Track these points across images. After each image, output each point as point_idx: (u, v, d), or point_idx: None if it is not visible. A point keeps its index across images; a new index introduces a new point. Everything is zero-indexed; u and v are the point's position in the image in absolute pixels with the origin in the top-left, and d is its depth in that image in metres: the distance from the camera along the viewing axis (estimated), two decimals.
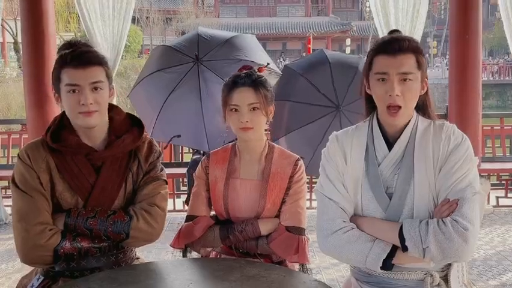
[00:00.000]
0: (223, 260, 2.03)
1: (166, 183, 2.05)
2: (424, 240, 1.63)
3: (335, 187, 1.81)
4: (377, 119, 1.82)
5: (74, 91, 1.84)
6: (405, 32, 4.83)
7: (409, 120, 1.78)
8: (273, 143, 2.17)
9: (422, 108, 1.82)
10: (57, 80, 1.88)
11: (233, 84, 2.03)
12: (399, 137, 1.78)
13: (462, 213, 1.65)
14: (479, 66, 4.95)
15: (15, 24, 23.97)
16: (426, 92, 1.80)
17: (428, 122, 1.81)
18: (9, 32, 25.76)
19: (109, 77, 1.93)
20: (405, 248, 1.65)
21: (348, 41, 36.96)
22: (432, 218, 1.70)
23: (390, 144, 1.79)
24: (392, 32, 1.85)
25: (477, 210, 1.68)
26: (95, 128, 1.92)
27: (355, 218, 1.81)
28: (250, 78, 2.02)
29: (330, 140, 1.90)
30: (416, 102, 1.76)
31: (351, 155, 1.83)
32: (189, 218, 2.12)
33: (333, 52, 4.82)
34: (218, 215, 2.14)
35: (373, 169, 1.79)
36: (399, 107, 1.71)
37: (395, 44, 1.72)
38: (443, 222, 1.64)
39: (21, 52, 23.63)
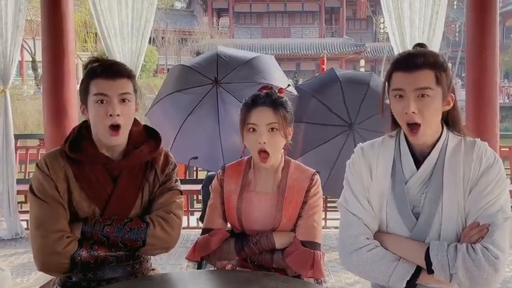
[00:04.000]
0: (241, 272, 2.02)
1: (181, 193, 2.07)
2: (452, 265, 1.57)
3: (359, 202, 1.77)
4: (405, 134, 1.76)
5: (102, 101, 1.87)
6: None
7: (439, 137, 1.72)
8: (289, 158, 2.16)
9: (452, 123, 1.75)
10: (85, 91, 1.91)
11: (252, 104, 2.01)
12: (428, 154, 1.72)
13: (493, 241, 1.59)
14: (496, 86, 4.91)
15: (34, 43, 24.39)
16: (454, 107, 1.73)
17: (458, 138, 1.74)
18: (27, 51, 26.20)
19: (136, 90, 1.96)
20: (431, 271, 1.61)
21: (362, 62, 37.05)
22: (460, 240, 1.65)
23: (417, 161, 1.73)
24: (415, 46, 1.79)
25: (507, 237, 1.62)
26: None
27: (380, 234, 1.76)
28: (270, 98, 2.01)
29: (355, 152, 1.86)
30: (438, 119, 1.70)
31: (377, 170, 1.78)
32: (205, 230, 2.12)
33: (344, 70, 4.83)
34: (233, 227, 2.14)
35: (400, 187, 1.74)
36: (419, 125, 1.65)
37: (410, 60, 1.66)
38: (473, 249, 1.58)
39: (38, 70, 23.92)
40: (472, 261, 1.57)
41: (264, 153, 1.98)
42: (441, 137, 1.72)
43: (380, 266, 1.67)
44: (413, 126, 1.66)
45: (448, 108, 1.72)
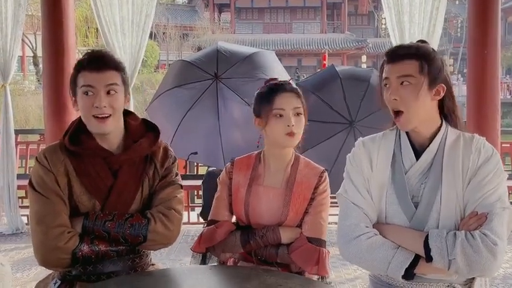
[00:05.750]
0: (241, 268, 2.02)
1: (182, 187, 2.07)
2: (451, 251, 1.59)
3: (359, 192, 1.79)
4: None
5: (88, 93, 1.88)
6: None
7: (438, 130, 1.76)
8: (299, 154, 2.17)
9: (449, 116, 1.79)
10: (73, 83, 1.92)
11: (274, 91, 2.03)
12: (427, 146, 1.76)
13: (491, 228, 1.61)
14: (497, 82, 4.89)
15: (35, 39, 24.39)
16: (449, 98, 1.78)
17: (457, 133, 1.78)
18: (28, 46, 26.18)
19: (124, 82, 1.96)
20: (429, 258, 1.62)
21: (363, 58, 36.97)
22: (459, 229, 1.67)
23: (417, 153, 1.77)
24: (417, 41, 1.84)
25: (506, 226, 1.65)
26: (109, 134, 1.95)
27: (379, 225, 1.78)
28: (289, 86, 2.06)
29: (356, 145, 1.90)
30: (426, 109, 1.73)
31: (377, 162, 1.82)
32: (211, 222, 2.12)
33: (344, 67, 4.80)
34: (239, 220, 2.15)
35: (400, 177, 1.77)
36: (402, 112, 1.71)
37: (394, 52, 1.76)
38: (472, 235, 1.61)
39: (40, 66, 23.96)
40: (470, 246, 1.59)
41: (292, 133, 2.00)
42: (441, 130, 1.77)
43: (379, 254, 1.69)
44: (397, 113, 1.73)
45: (437, 98, 1.75)
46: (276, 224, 2.05)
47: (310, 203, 2.06)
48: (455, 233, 1.63)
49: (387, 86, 1.75)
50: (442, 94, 1.75)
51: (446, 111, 1.79)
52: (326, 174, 2.11)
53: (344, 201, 1.82)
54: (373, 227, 1.77)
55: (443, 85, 1.75)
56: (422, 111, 1.73)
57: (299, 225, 2.07)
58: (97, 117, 1.88)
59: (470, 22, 5.04)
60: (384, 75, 1.77)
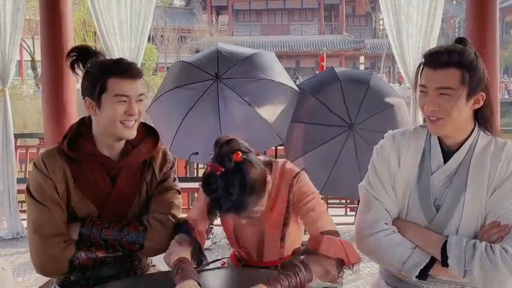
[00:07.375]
0: (244, 270, 2.01)
1: (179, 193, 2.05)
2: (468, 262, 1.57)
3: (383, 188, 1.77)
4: None
5: (124, 101, 1.84)
6: (419, 47, 4.81)
7: (469, 135, 1.70)
8: (278, 162, 1.95)
9: (482, 121, 1.71)
10: (101, 88, 1.83)
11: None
12: (456, 150, 1.71)
13: None
14: (496, 82, 4.88)
15: (33, 43, 24.38)
16: (487, 106, 1.69)
17: (489, 138, 1.71)
18: (26, 51, 26.18)
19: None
20: (445, 265, 1.61)
21: (361, 59, 37.05)
22: (477, 237, 1.64)
23: (445, 155, 1.73)
24: (456, 40, 1.74)
25: None
26: (121, 140, 1.93)
27: (399, 221, 1.76)
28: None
29: (385, 137, 1.85)
30: (463, 118, 1.67)
31: (405, 158, 1.78)
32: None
33: (344, 69, 4.76)
34: (230, 242, 2.09)
35: (425, 178, 1.74)
36: (440, 118, 1.64)
37: (435, 57, 1.64)
38: (492, 249, 1.58)
39: (38, 70, 23.85)
40: (489, 261, 1.56)
41: None
42: (472, 136, 1.71)
43: (395, 252, 1.68)
44: (432, 117, 1.67)
45: (476, 107, 1.68)
46: (256, 240, 1.93)
47: (288, 210, 1.90)
48: (474, 244, 1.59)
49: (424, 92, 1.66)
50: (481, 103, 1.67)
51: (480, 118, 1.71)
52: (296, 178, 1.88)
53: (366, 194, 1.80)
54: (393, 222, 1.75)
55: (483, 93, 1.66)
56: (458, 119, 1.66)
57: (282, 239, 1.93)
58: (125, 124, 1.86)
59: (468, 22, 5.05)
60: (422, 81, 1.67)
